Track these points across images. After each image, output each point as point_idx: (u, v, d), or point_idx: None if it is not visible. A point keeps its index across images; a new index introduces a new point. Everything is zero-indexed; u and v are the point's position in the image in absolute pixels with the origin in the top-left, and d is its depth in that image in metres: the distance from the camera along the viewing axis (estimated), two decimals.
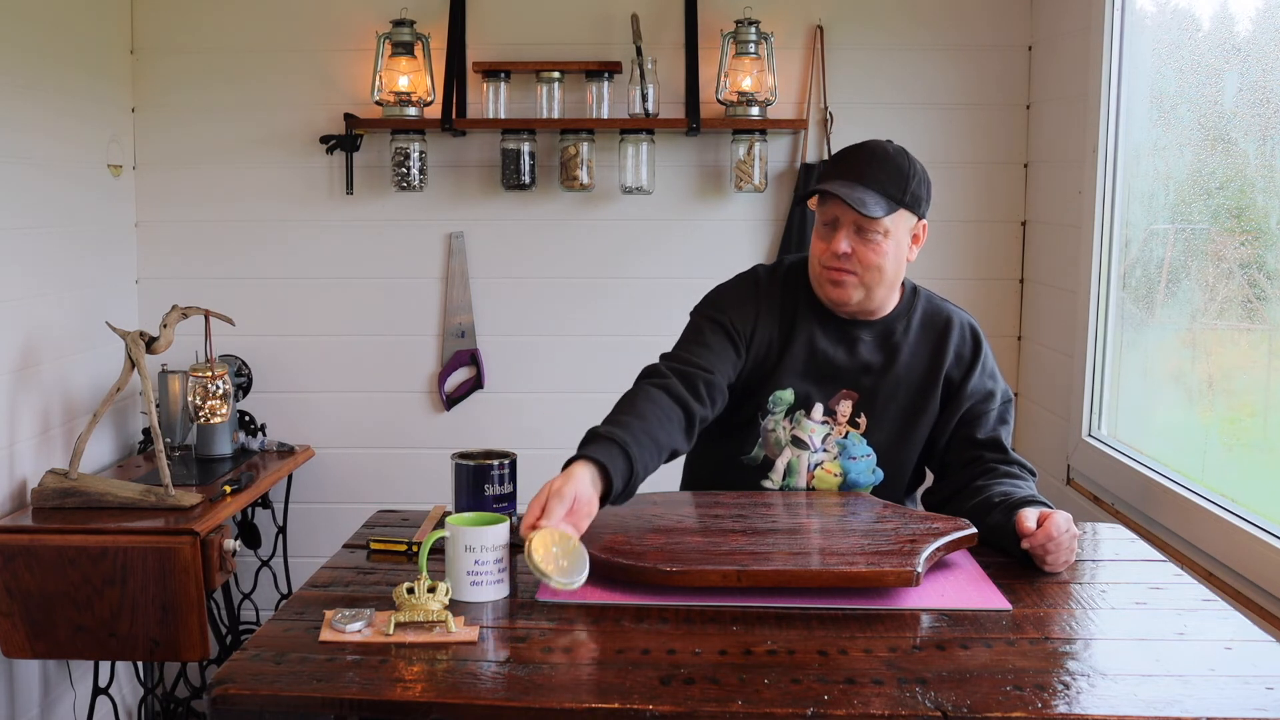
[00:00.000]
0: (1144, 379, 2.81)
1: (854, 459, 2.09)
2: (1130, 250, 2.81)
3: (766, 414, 2.10)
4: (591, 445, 1.81)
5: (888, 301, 2.11)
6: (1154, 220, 2.74)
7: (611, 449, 1.80)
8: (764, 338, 2.10)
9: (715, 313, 2.12)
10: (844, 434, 2.09)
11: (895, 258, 2.04)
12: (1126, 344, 2.83)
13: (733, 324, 2.09)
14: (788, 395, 2.09)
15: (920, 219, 2.07)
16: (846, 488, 2.10)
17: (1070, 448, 2.99)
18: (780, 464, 2.11)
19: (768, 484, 2.12)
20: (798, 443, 2.10)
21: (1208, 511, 2.27)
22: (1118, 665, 1.45)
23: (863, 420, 2.09)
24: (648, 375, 2.03)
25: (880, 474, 2.11)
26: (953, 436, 2.10)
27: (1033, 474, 2.07)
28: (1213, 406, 2.53)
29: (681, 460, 2.24)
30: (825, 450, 2.09)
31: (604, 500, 1.78)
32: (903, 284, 2.16)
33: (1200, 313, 2.53)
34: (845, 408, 2.09)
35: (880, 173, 2.02)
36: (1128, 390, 2.84)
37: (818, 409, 2.09)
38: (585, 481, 1.74)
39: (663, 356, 2.07)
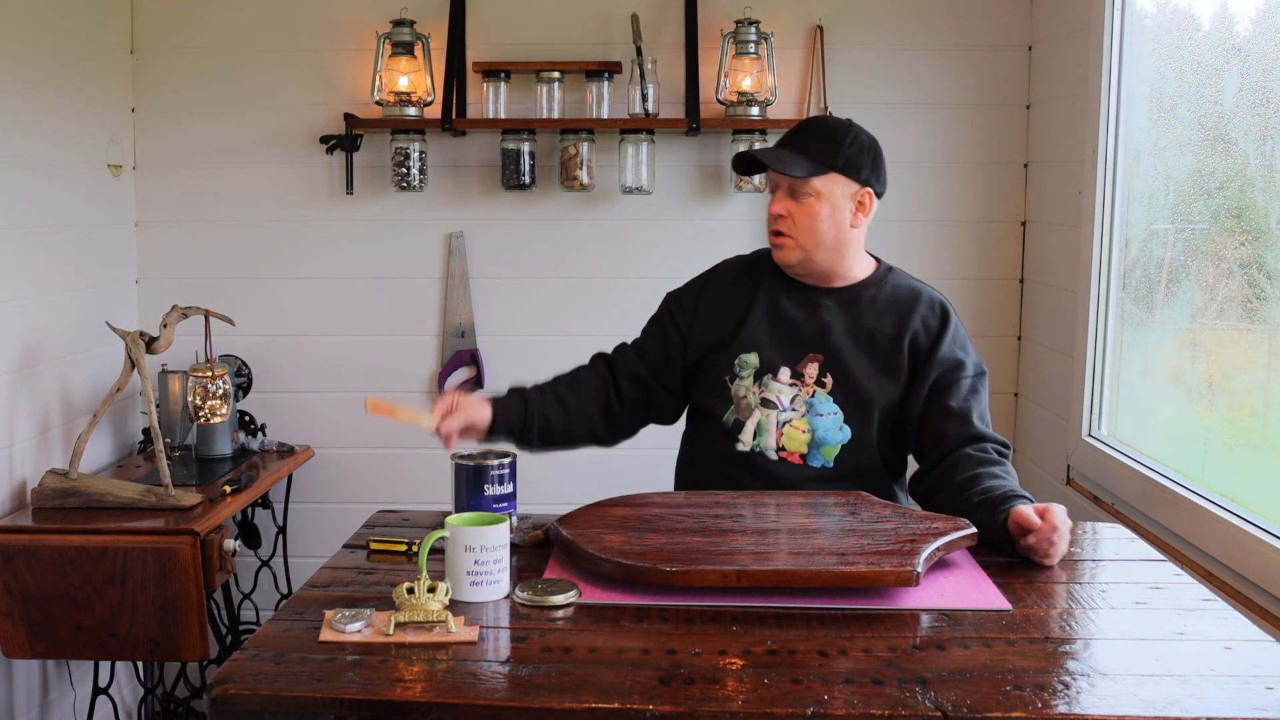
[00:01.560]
0: (1144, 379, 2.81)
1: (820, 416, 2.14)
2: (1130, 250, 2.81)
3: (735, 378, 2.18)
4: (502, 395, 2.19)
5: (841, 268, 2.19)
6: (1154, 220, 2.74)
7: (513, 397, 2.18)
8: (713, 317, 2.23)
9: (665, 304, 2.34)
10: (811, 393, 2.15)
11: (832, 221, 2.13)
12: (1126, 344, 2.83)
13: (671, 316, 2.29)
14: (752, 359, 2.17)
15: (863, 186, 2.14)
16: (815, 444, 2.14)
17: (1070, 448, 2.99)
18: (750, 425, 2.16)
19: (740, 446, 2.16)
20: (766, 404, 2.16)
21: (1208, 511, 2.27)
22: (1118, 665, 1.45)
23: (829, 380, 2.15)
24: (592, 361, 2.33)
25: (848, 431, 2.14)
26: (926, 406, 2.14)
27: (1007, 447, 2.11)
28: (1213, 406, 2.53)
29: (678, 445, 2.37)
30: (793, 409, 2.15)
31: (493, 433, 2.14)
32: (878, 261, 2.24)
33: (1200, 313, 2.53)
34: (812, 370, 2.16)
35: (810, 138, 2.16)
36: (1128, 390, 2.84)
37: (784, 372, 2.16)
38: (483, 405, 2.12)
39: (615, 351, 2.33)
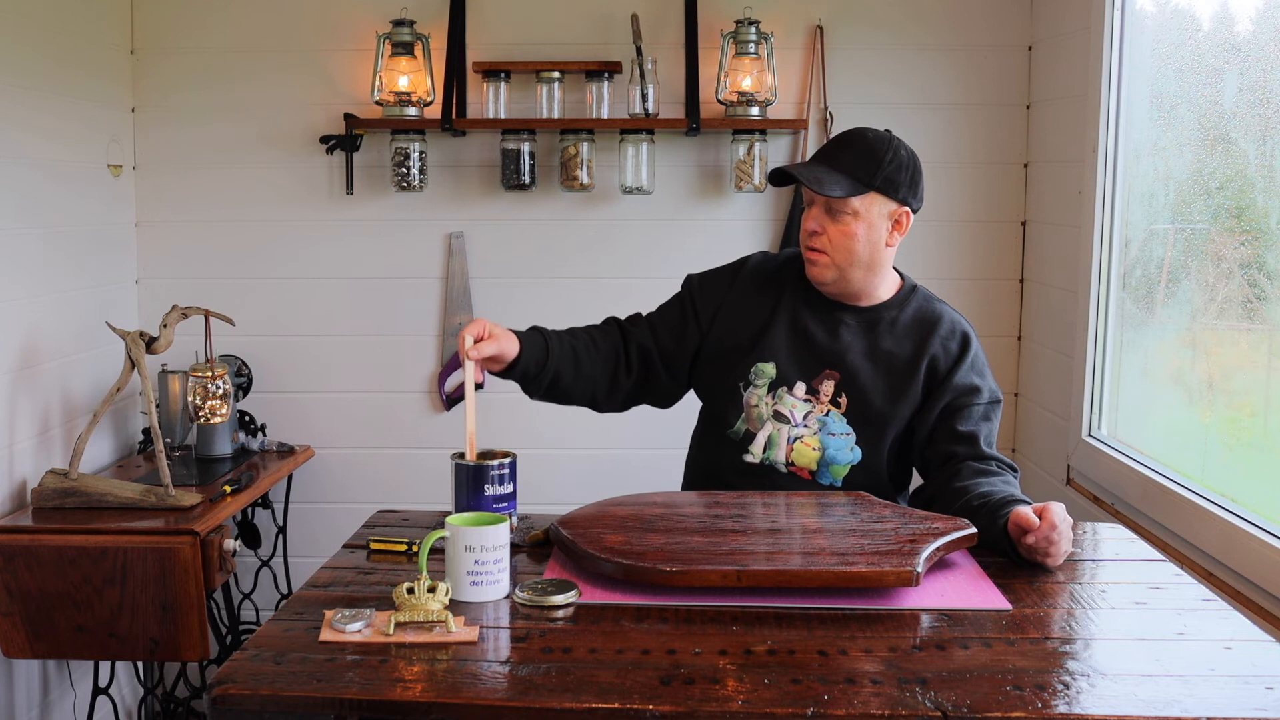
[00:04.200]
0: (1144, 379, 2.81)
1: (833, 435, 2.12)
2: (1130, 250, 2.81)
3: (749, 386, 2.16)
4: (525, 332, 2.11)
5: (871, 286, 2.16)
6: (1154, 220, 2.74)
7: (537, 338, 2.10)
8: (736, 318, 2.20)
9: (688, 289, 2.28)
10: (825, 411, 2.13)
11: (868, 240, 2.09)
12: (1126, 344, 2.83)
13: (694, 302, 2.24)
14: (769, 369, 2.15)
15: (901, 205, 2.10)
16: (824, 463, 2.13)
17: (1070, 448, 2.99)
18: (761, 437, 2.15)
19: (749, 457, 2.15)
20: (779, 417, 2.14)
21: (1208, 511, 2.27)
22: (1118, 665, 1.45)
23: (844, 400, 2.13)
24: (603, 321, 2.27)
25: (859, 453, 2.13)
26: (934, 428, 2.13)
27: (1014, 470, 2.09)
28: (1213, 406, 2.53)
29: (684, 450, 2.35)
30: (805, 426, 2.13)
31: (512, 370, 2.07)
32: (902, 279, 2.20)
33: (1200, 313, 2.53)
34: (828, 387, 2.14)
35: (849, 155, 2.09)
36: (1128, 390, 2.84)
37: (800, 387, 2.14)
38: (512, 339, 2.04)
39: (630, 321, 2.27)
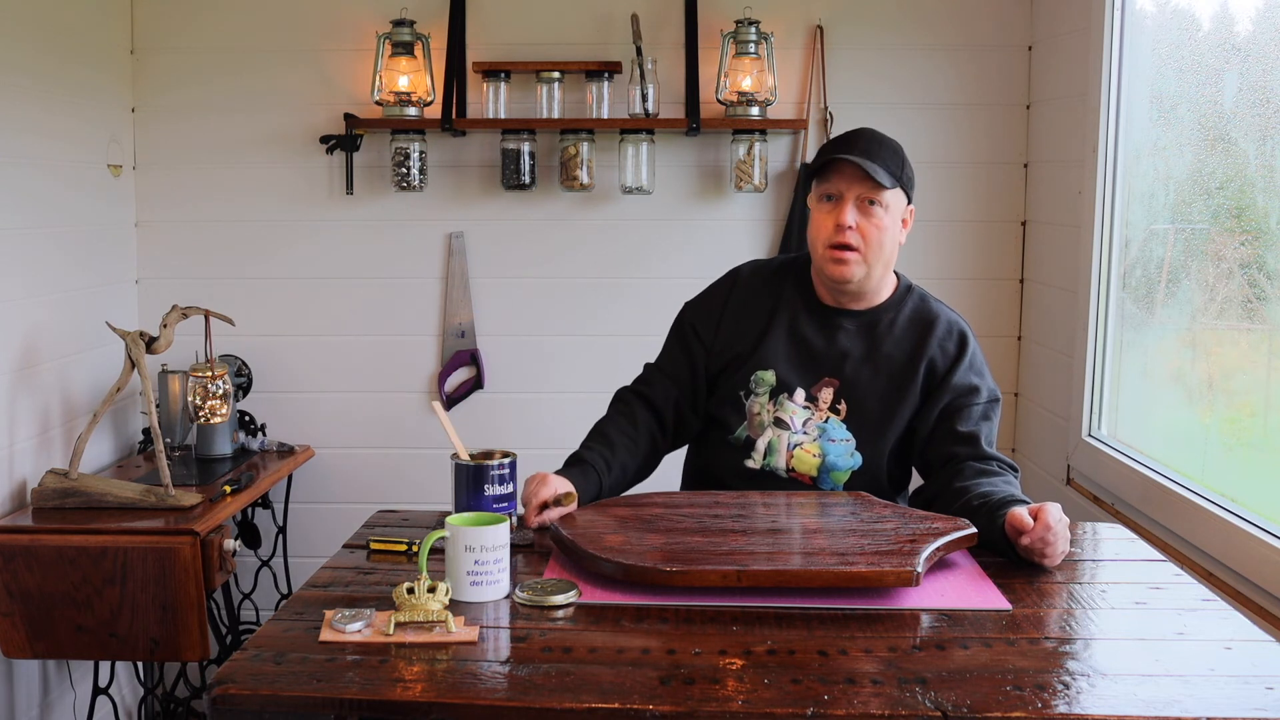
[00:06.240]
0: (1144, 379, 2.81)
1: (833, 441, 2.13)
2: (1130, 250, 2.81)
3: (750, 394, 2.16)
4: (569, 469, 2.06)
5: (880, 285, 2.17)
6: (1154, 220, 2.74)
7: (587, 471, 2.05)
8: (736, 329, 2.20)
9: (681, 321, 2.29)
10: (825, 418, 2.14)
11: (891, 236, 2.12)
12: (1126, 344, 2.83)
13: (695, 330, 2.24)
14: (769, 376, 2.15)
15: (909, 204, 2.16)
16: (825, 469, 2.13)
17: (1070, 448, 2.99)
18: (761, 443, 2.15)
19: (750, 463, 2.16)
20: (780, 424, 2.14)
21: (1208, 511, 2.27)
22: (1118, 665, 1.45)
23: (843, 406, 2.14)
24: (620, 401, 2.25)
25: (859, 458, 2.13)
26: (934, 429, 2.13)
27: (1014, 470, 2.09)
28: (1213, 406, 2.53)
29: (683, 451, 2.36)
30: (805, 433, 2.14)
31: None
32: (898, 279, 2.20)
33: (1200, 313, 2.53)
34: (827, 395, 2.14)
35: (883, 150, 2.12)
36: (1128, 390, 2.84)
37: (799, 394, 2.15)
38: (573, 497, 1.96)
39: (646, 384, 2.26)
